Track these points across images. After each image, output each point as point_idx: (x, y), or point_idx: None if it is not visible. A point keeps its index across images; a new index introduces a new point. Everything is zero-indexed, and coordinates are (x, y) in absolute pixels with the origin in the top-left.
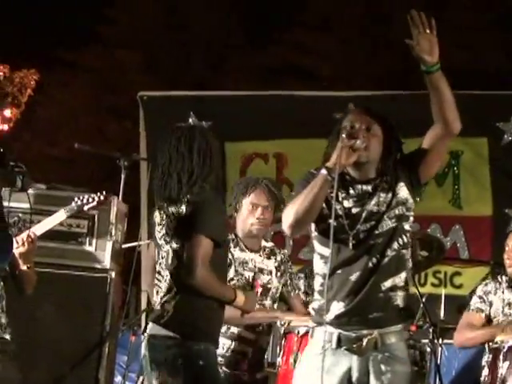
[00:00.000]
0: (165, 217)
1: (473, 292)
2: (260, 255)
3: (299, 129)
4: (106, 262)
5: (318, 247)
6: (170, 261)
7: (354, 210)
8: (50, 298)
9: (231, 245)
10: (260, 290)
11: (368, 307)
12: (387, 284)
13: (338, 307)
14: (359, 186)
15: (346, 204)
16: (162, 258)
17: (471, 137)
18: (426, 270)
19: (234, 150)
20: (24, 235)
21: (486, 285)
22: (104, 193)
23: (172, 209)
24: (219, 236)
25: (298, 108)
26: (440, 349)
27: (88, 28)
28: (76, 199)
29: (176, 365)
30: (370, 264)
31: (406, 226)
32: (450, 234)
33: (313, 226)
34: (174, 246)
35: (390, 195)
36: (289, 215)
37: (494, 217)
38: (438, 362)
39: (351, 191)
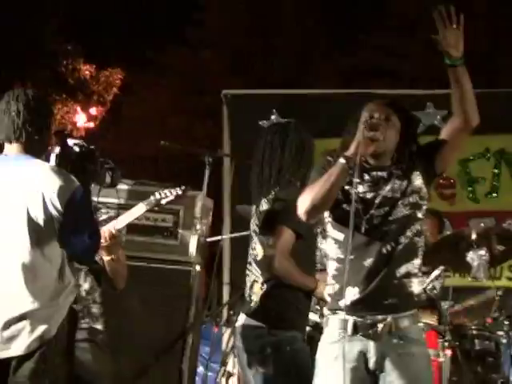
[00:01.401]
0: (256, 210)
1: None
2: None
3: None
4: (191, 255)
5: (332, 231)
6: (258, 252)
7: (369, 195)
8: (136, 291)
9: (319, 237)
10: None
11: (383, 293)
12: (402, 271)
13: (353, 292)
14: (374, 173)
15: (361, 189)
16: (253, 249)
17: None
18: (501, 264)
19: (316, 147)
20: (105, 229)
21: None
22: (183, 187)
23: (262, 202)
24: (302, 228)
25: None
26: None
27: (175, 30)
28: (156, 193)
29: (265, 353)
30: (384, 250)
31: (419, 215)
32: None
33: (327, 211)
34: (262, 238)
35: (405, 183)
36: (305, 201)
37: None
38: None
39: (366, 177)
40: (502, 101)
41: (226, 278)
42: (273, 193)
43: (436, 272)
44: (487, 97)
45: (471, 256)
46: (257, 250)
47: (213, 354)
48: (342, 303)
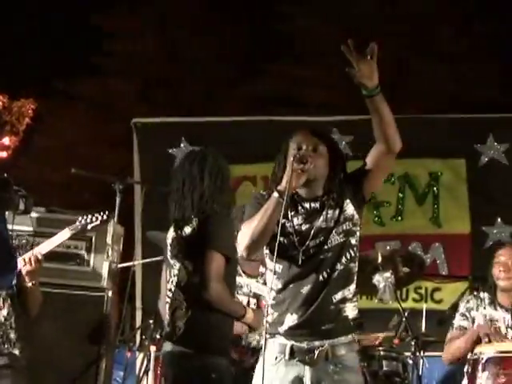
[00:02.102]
0: (178, 237)
1: (454, 307)
2: (257, 281)
3: None
4: (103, 281)
5: (270, 264)
6: (182, 278)
7: (304, 227)
8: (50, 316)
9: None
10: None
11: (320, 319)
12: (337, 296)
13: (291, 319)
14: (307, 204)
15: (296, 221)
16: (174, 275)
17: (450, 158)
18: (407, 286)
19: None
20: (29, 254)
21: (468, 302)
22: (106, 212)
23: (185, 228)
24: (231, 252)
25: (284, 133)
26: (421, 361)
27: (85, 59)
28: (80, 218)
29: (192, 378)
30: (321, 278)
31: (353, 241)
32: (430, 251)
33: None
34: (187, 263)
35: (337, 211)
36: (244, 237)
37: (472, 234)
38: (420, 373)
39: (300, 209)
40: (405, 126)
41: (138, 303)
42: (197, 219)
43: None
44: None
45: (377, 278)
46: (180, 275)
47: (126, 379)
48: (280, 329)
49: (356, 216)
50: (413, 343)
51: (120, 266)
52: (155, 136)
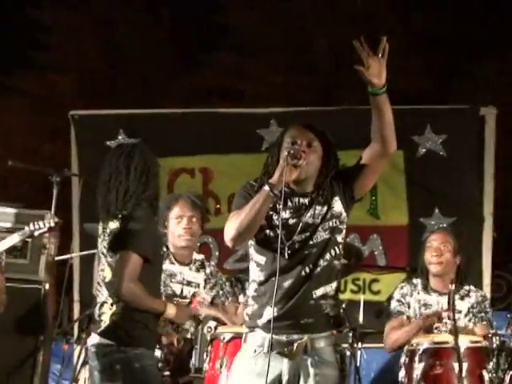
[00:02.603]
0: (104, 231)
1: (390, 298)
2: (190, 268)
3: (223, 145)
4: (40, 274)
5: (255, 255)
6: (106, 274)
7: (291, 222)
8: None
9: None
10: (197, 306)
11: (299, 313)
12: (318, 292)
13: (270, 312)
14: (296, 199)
15: (284, 215)
16: (101, 270)
17: None
18: (345, 278)
19: (162, 165)
20: None
21: (402, 288)
22: (56, 219)
23: (109, 223)
24: (148, 252)
25: (221, 125)
26: (359, 352)
27: (22, 53)
28: (31, 224)
29: (114, 370)
30: (303, 273)
31: (339, 238)
32: (368, 243)
33: None
34: (109, 259)
35: (325, 208)
36: (232, 228)
37: (409, 226)
38: (358, 364)
39: (289, 203)
40: (342, 117)
41: (76, 295)
42: (120, 215)
43: None
44: (323, 114)
45: None
46: (105, 271)
47: (64, 371)
48: (260, 322)
49: (344, 214)
50: (350, 335)
51: (57, 258)
52: (93, 128)
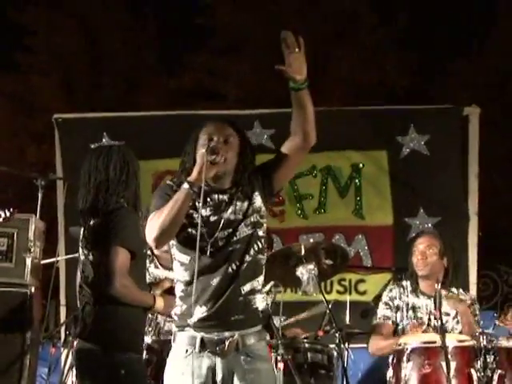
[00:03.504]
0: (84, 231)
1: (378, 298)
2: None
3: None
4: (26, 277)
5: (178, 255)
6: (88, 273)
7: (212, 219)
8: None
9: (147, 261)
10: None
11: (229, 310)
12: (246, 288)
13: (200, 311)
14: (216, 196)
15: (204, 213)
16: (83, 271)
17: (372, 150)
18: (331, 278)
19: (147, 167)
20: None
21: (391, 290)
22: (11, 209)
23: (90, 222)
24: (135, 247)
25: None
26: (346, 352)
27: (5, 55)
28: None
29: (101, 376)
30: (230, 270)
31: (261, 233)
32: (354, 243)
33: None
34: (91, 258)
35: (246, 204)
36: (153, 229)
37: (394, 226)
38: (345, 365)
39: (208, 200)
40: (327, 118)
41: (62, 299)
42: (101, 214)
43: (267, 287)
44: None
45: (301, 271)
46: (87, 271)
47: (51, 375)
48: (190, 321)
49: (263, 208)
50: (337, 335)
51: (43, 262)
52: (77, 131)
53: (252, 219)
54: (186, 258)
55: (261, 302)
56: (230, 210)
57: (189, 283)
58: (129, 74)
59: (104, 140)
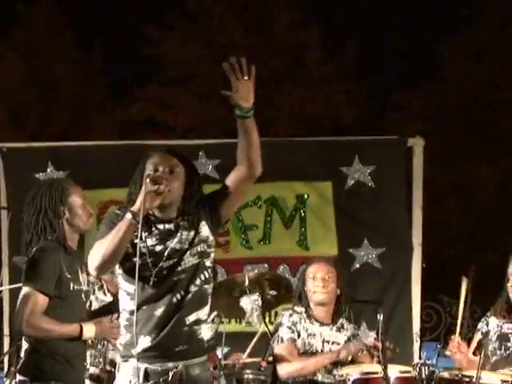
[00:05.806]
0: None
1: (279, 324)
2: None
3: None
4: None
5: (123, 284)
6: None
7: (158, 248)
8: None
9: (95, 287)
10: None
11: (173, 341)
12: (191, 318)
13: (145, 341)
14: (162, 225)
15: (150, 242)
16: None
17: (317, 181)
18: (275, 309)
19: (91, 197)
20: None
21: (291, 315)
22: None
23: (23, 261)
24: (49, 288)
25: None
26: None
27: None
28: None
29: None
30: (175, 299)
31: (208, 263)
32: (298, 274)
33: (117, 264)
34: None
35: (192, 233)
36: (95, 257)
37: (339, 256)
38: None
39: (154, 230)
40: (272, 149)
41: (5, 329)
42: (27, 253)
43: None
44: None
45: (244, 301)
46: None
47: None
48: (134, 351)
49: (211, 238)
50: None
51: None
52: (22, 161)
53: (198, 249)
54: (131, 288)
55: (206, 332)
56: (175, 240)
57: (133, 313)
58: (77, 105)
59: (49, 170)
